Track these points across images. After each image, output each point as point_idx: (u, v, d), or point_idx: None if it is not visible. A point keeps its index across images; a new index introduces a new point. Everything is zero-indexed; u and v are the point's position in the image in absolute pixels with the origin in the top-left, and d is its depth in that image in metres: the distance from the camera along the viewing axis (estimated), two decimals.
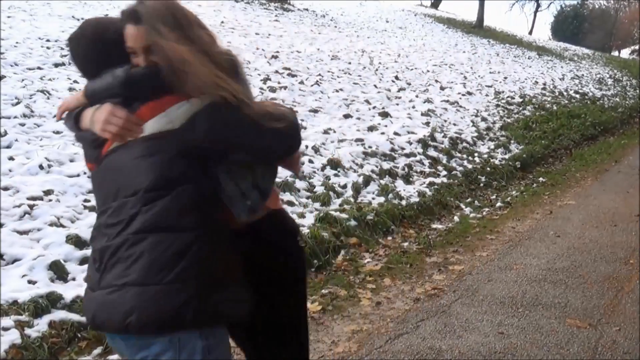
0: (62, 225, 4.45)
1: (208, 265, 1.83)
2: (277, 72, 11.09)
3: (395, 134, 8.67)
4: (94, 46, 1.97)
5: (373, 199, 6.46)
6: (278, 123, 1.95)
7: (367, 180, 6.85)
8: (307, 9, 22.43)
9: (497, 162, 9.00)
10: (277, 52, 13.08)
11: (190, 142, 1.83)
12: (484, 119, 11.40)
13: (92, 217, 4.43)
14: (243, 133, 1.89)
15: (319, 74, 11.68)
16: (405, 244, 5.60)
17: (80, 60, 2.03)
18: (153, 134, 1.84)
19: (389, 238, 5.76)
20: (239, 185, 1.98)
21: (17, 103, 6.48)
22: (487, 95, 13.73)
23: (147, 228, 1.81)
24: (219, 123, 1.85)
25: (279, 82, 10.32)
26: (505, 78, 16.82)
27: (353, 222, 5.63)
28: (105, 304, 1.78)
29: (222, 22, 15.85)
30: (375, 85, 11.75)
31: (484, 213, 6.80)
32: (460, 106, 11.93)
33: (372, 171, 7.13)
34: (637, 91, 21.04)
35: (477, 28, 30.95)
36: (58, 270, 3.95)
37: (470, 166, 8.48)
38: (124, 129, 1.85)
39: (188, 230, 1.82)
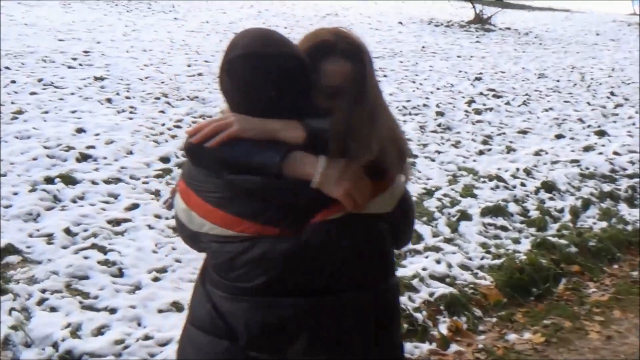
0: None
1: None
2: (481, 93, 10.87)
3: (615, 153, 8.05)
4: (289, 70, 1.57)
5: (594, 223, 6.02)
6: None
7: (586, 204, 6.41)
8: (509, 28, 21.79)
9: None
10: (481, 73, 12.84)
11: (394, 229, 1.69)
12: None
13: None
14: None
15: (526, 94, 11.25)
16: (635, 273, 5.14)
17: (255, 82, 1.56)
18: (372, 214, 1.60)
19: (615, 266, 5.32)
20: None
21: None
22: None
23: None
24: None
25: (484, 104, 10.09)
26: None
27: (573, 249, 5.29)
28: None
29: (423, 47, 15.91)
30: (588, 103, 11.05)
31: None
32: None
33: (591, 194, 6.67)
34: None
35: None
36: None
37: None
38: (365, 202, 1.55)
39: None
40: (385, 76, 11.74)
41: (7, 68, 8.90)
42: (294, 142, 1.52)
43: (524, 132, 8.80)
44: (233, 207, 1.54)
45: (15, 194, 4.99)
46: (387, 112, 1.69)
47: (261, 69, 1.56)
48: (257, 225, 1.53)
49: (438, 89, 11.08)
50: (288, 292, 1.55)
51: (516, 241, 5.38)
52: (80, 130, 6.55)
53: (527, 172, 6.97)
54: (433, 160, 7.17)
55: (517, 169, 6.98)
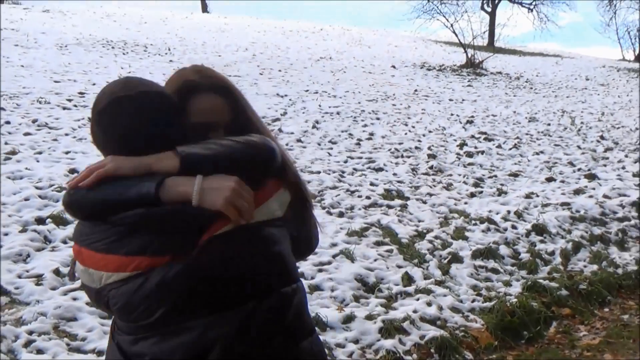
0: None
1: None
2: (473, 136, 10.99)
3: (605, 197, 8.09)
4: (140, 111, 1.59)
5: (585, 266, 6.03)
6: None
7: (577, 247, 6.43)
8: (500, 72, 22.12)
9: None
10: (472, 116, 12.99)
11: (292, 232, 1.71)
12: None
13: None
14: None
15: (517, 137, 11.37)
16: (626, 316, 5.13)
17: (125, 124, 1.58)
18: (267, 220, 1.62)
19: (606, 310, 5.31)
20: None
21: None
22: None
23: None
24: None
25: (475, 147, 10.19)
26: None
27: (564, 292, 5.29)
28: None
29: (416, 90, 16.11)
30: (578, 146, 11.17)
31: None
32: None
33: (582, 237, 6.69)
34: None
35: None
36: None
37: None
38: (250, 210, 1.55)
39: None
40: (378, 119, 11.86)
41: (2, 109, 8.95)
42: (170, 171, 1.53)
43: (515, 175, 8.87)
44: (122, 248, 1.52)
45: (6, 234, 4.98)
46: (267, 132, 1.78)
47: (127, 111, 1.58)
48: (147, 258, 1.51)
49: (430, 131, 11.19)
50: (190, 314, 1.53)
51: (507, 284, 5.38)
52: (73, 171, 6.56)
53: (518, 215, 7.00)
54: (425, 202, 7.21)
55: (508, 212, 7.02)
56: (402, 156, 9.21)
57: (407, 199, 7.22)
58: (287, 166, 1.73)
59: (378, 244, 5.76)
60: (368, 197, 7.02)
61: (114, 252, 1.53)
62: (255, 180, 1.59)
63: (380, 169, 8.38)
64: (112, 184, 1.53)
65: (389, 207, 6.85)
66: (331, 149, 9.24)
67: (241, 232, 1.55)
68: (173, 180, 1.51)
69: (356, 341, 4.13)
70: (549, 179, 8.78)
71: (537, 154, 10.29)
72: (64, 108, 9.65)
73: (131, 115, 1.58)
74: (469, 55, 22.45)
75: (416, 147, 9.74)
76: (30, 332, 3.72)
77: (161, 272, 1.51)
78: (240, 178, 1.54)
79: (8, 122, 8.28)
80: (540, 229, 6.65)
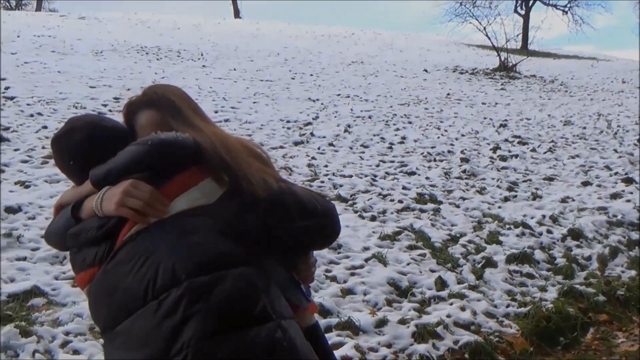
0: None
1: None
2: (506, 140, 10.88)
3: None
4: (90, 137, 1.77)
5: (622, 272, 5.91)
6: (325, 201, 1.82)
7: (614, 252, 6.30)
8: (534, 75, 21.87)
9: None
10: (506, 120, 12.87)
11: (234, 217, 1.64)
12: None
13: None
14: (288, 217, 1.70)
15: (552, 141, 11.23)
16: None
17: (76, 154, 1.78)
18: (184, 210, 1.61)
19: None
20: (288, 270, 1.80)
21: None
22: None
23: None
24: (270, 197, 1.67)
25: (509, 151, 10.08)
26: None
27: (601, 297, 5.18)
28: None
29: (448, 94, 16.02)
30: (615, 150, 10.97)
31: None
32: None
33: (619, 242, 6.56)
34: None
35: None
36: None
37: None
38: (148, 206, 1.59)
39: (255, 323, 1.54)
40: (410, 123, 11.81)
41: (40, 114, 9.14)
42: (93, 192, 1.69)
43: (550, 179, 8.75)
44: (75, 267, 1.74)
45: (43, 237, 5.06)
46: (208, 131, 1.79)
47: (59, 148, 1.83)
48: (86, 272, 1.68)
49: (463, 135, 11.11)
50: (130, 310, 1.56)
51: (543, 289, 5.30)
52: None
53: (554, 219, 6.90)
54: (458, 206, 7.14)
55: (544, 216, 6.92)
56: (435, 160, 9.15)
57: (440, 202, 7.17)
58: (215, 155, 1.68)
59: (411, 247, 5.72)
60: (400, 201, 6.99)
61: (75, 272, 1.75)
62: (164, 175, 1.64)
63: (412, 173, 8.33)
64: (58, 216, 1.78)
65: (422, 211, 6.80)
66: (363, 152, 9.23)
67: (162, 227, 1.59)
68: (89, 199, 1.67)
69: (389, 345, 4.10)
70: (585, 183, 8.64)
71: (573, 157, 10.14)
72: (99, 113, 9.80)
73: (62, 151, 1.82)
74: (502, 59, 22.26)
75: (449, 151, 9.67)
76: (67, 333, 3.76)
77: (93, 282, 1.66)
78: (144, 176, 1.63)
79: (45, 127, 8.44)
80: (576, 234, 6.54)
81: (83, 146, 1.76)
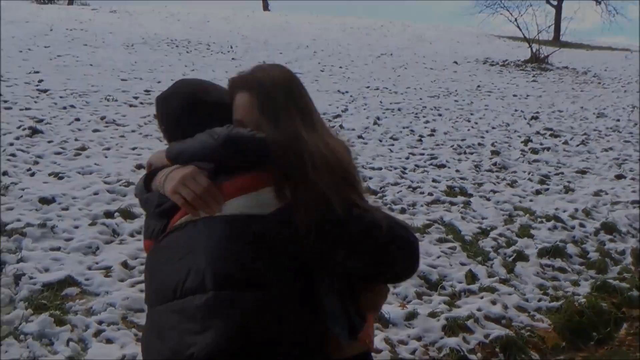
0: None
1: None
2: (538, 133, 10.75)
3: None
4: (188, 107, 1.76)
5: None
6: (403, 231, 1.62)
7: None
8: (566, 67, 21.54)
9: None
10: (537, 112, 12.71)
11: (285, 236, 1.54)
12: None
13: None
14: (361, 237, 1.55)
15: (585, 133, 11.06)
16: None
17: (170, 120, 1.81)
18: (235, 215, 1.55)
19: None
20: (342, 299, 1.61)
21: None
22: None
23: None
24: (331, 223, 1.53)
25: (541, 144, 9.96)
26: None
27: (635, 293, 5.10)
28: None
29: (479, 86, 15.86)
30: None
31: None
32: None
33: None
34: None
35: None
36: None
37: None
38: (200, 200, 1.56)
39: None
40: (440, 115, 11.73)
41: (72, 106, 9.26)
42: (167, 164, 1.71)
43: (582, 172, 8.62)
44: (145, 229, 1.76)
45: (76, 227, 5.13)
46: (321, 130, 1.70)
47: (158, 109, 1.86)
48: (146, 241, 1.72)
49: (493, 127, 11.00)
50: (162, 298, 1.57)
51: (575, 283, 5.23)
52: (139, 167, 6.72)
53: (587, 213, 6.80)
54: (488, 199, 7.08)
55: (576, 210, 6.82)
56: (465, 152, 9.07)
57: (470, 195, 7.10)
58: (283, 166, 1.57)
59: (441, 240, 5.69)
60: (430, 194, 6.94)
61: (143, 236, 1.81)
62: (229, 171, 1.60)
63: (442, 166, 8.27)
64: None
65: (452, 204, 6.75)
66: (392, 145, 9.18)
67: (208, 224, 1.57)
68: (162, 172, 1.68)
69: (419, 338, 4.09)
70: (619, 177, 8.49)
71: (606, 150, 9.97)
72: (131, 105, 9.91)
73: (165, 111, 1.83)
74: (534, 50, 21.96)
75: (479, 144, 9.58)
76: (100, 322, 3.82)
77: (148, 254, 1.72)
78: (211, 167, 1.60)
79: (77, 119, 8.55)
80: (609, 228, 6.43)
81: (176, 114, 1.78)
